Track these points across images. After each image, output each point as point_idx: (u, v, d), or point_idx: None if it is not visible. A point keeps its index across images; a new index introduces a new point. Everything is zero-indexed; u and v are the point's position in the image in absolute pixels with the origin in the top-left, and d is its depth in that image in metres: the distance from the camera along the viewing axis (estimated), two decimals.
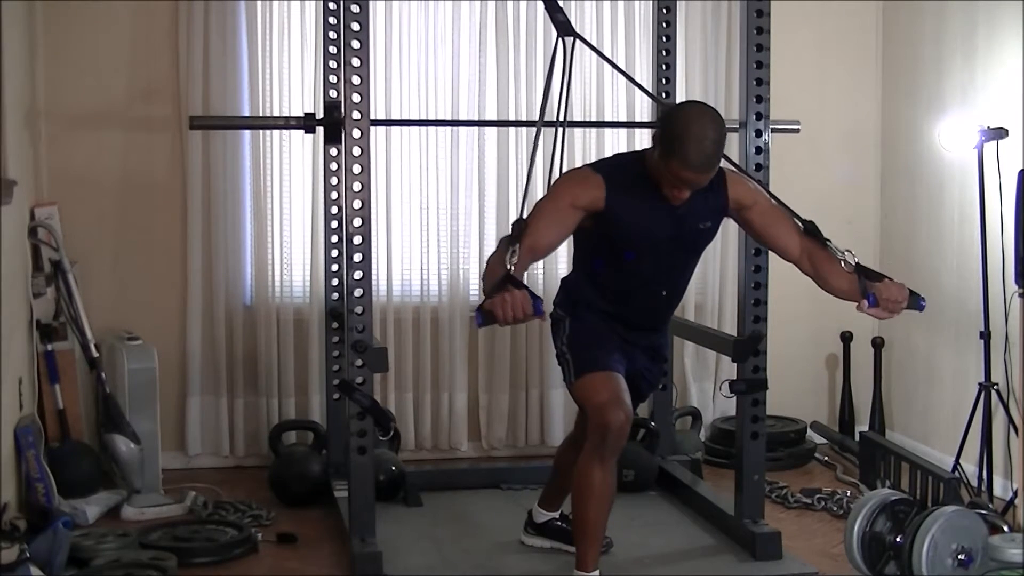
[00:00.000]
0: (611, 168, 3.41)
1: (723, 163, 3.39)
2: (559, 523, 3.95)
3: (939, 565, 3.38)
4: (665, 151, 3.20)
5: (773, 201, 3.52)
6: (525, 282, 3.03)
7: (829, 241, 3.40)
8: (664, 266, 3.46)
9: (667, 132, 3.20)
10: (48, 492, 4.11)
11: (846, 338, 5.46)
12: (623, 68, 4.26)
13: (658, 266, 3.44)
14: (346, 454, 3.84)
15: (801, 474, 5.06)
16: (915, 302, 3.27)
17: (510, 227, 3.19)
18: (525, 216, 3.20)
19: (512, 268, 3.02)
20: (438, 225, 5.15)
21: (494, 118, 5.12)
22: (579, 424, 3.79)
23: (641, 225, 3.33)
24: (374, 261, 3.96)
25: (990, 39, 4.67)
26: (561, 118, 3.60)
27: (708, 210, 3.42)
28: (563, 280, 3.67)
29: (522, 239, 3.11)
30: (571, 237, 3.49)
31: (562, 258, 5.17)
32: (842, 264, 3.33)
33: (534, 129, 4.92)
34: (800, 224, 3.47)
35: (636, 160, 3.40)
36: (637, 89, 4.98)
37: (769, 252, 3.89)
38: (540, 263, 5.18)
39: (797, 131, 4.42)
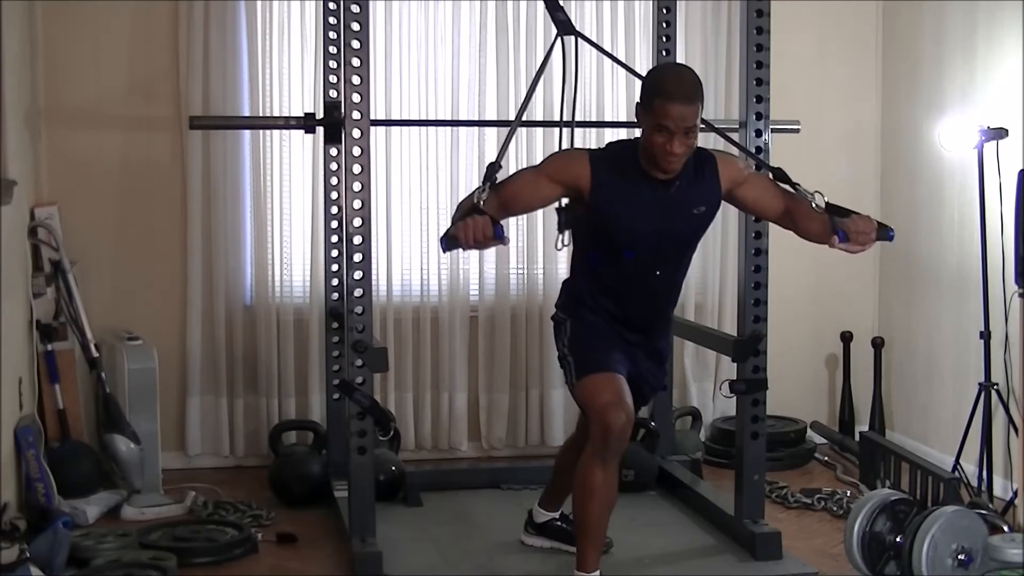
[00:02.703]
0: (602, 152, 3.46)
1: (713, 147, 3.44)
2: (559, 523, 3.95)
3: (939, 565, 3.38)
4: (646, 101, 3.27)
5: (754, 169, 3.56)
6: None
7: (798, 184, 3.43)
8: (659, 255, 3.45)
9: (645, 86, 3.34)
10: (48, 492, 4.11)
11: (846, 338, 5.46)
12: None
13: (653, 255, 3.43)
14: (346, 454, 3.84)
15: (801, 474, 5.06)
16: (884, 233, 3.35)
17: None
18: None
19: (481, 203, 3.14)
20: (438, 225, 5.14)
21: (494, 118, 5.12)
22: (580, 426, 3.79)
23: (633, 211, 3.34)
24: (374, 261, 3.97)
25: (990, 39, 4.67)
26: (568, 117, 3.69)
27: (701, 195, 3.43)
28: (563, 283, 3.68)
29: (497, 189, 3.23)
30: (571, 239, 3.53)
31: (562, 259, 5.16)
32: (812, 205, 3.36)
33: (534, 129, 5.04)
34: (770, 173, 3.51)
35: (629, 147, 3.43)
36: (637, 90, 5.03)
37: (769, 252, 3.92)
38: (540, 264, 5.20)
39: (797, 131, 4.43)
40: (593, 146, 5.12)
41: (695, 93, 3.25)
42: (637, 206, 3.34)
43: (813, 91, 5.44)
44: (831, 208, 3.35)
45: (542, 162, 3.51)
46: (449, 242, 3.12)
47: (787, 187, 3.46)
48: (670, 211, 3.38)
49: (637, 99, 3.37)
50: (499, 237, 3.10)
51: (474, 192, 3.22)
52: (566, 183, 3.35)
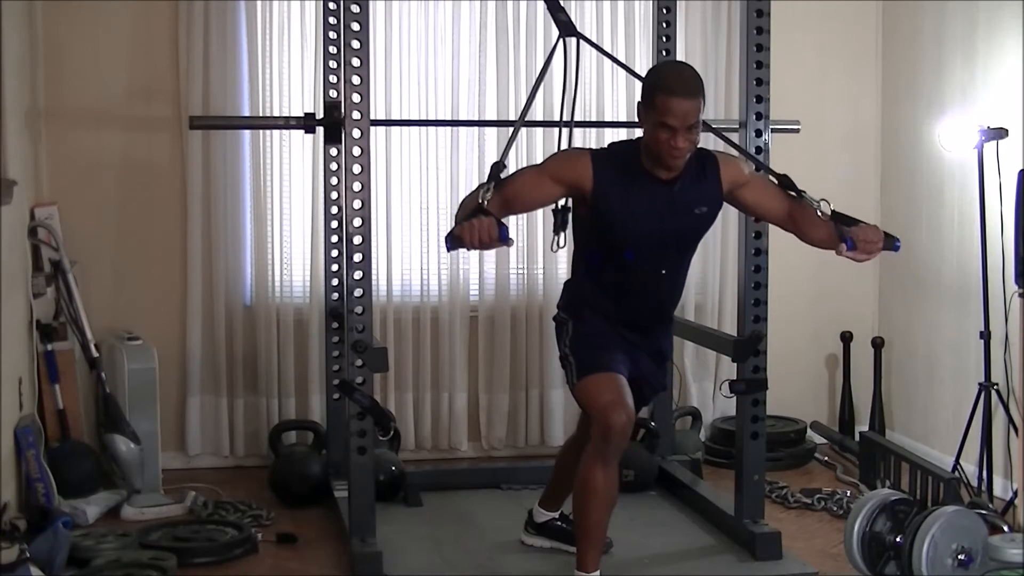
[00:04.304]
0: (605, 153, 3.46)
1: (715, 147, 3.45)
2: (559, 523, 3.95)
3: (939, 565, 3.38)
4: (648, 98, 3.27)
5: (759, 172, 3.56)
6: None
7: (804, 192, 3.43)
8: (660, 254, 3.45)
9: (646, 84, 3.34)
10: (48, 492, 4.11)
11: (846, 338, 5.46)
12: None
13: (654, 254, 3.43)
14: (346, 454, 3.84)
15: (801, 474, 5.06)
16: (890, 243, 3.37)
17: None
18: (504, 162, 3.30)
19: (485, 203, 3.13)
20: (438, 225, 5.14)
21: (494, 118, 5.13)
22: (581, 426, 3.79)
23: (634, 210, 3.34)
24: (374, 261, 3.97)
25: (990, 39, 4.67)
26: (568, 118, 3.74)
27: (703, 195, 3.42)
28: (565, 283, 3.68)
29: (500, 187, 3.22)
30: (572, 239, 3.54)
31: (563, 260, 5.16)
32: (818, 213, 3.36)
33: (534, 129, 5.05)
34: (775, 180, 3.50)
35: (631, 147, 3.43)
36: (637, 90, 5.03)
37: (769, 252, 3.92)
38: (540, 264, 5.20)
39: (797, 131, 4.43)
40: (594, 146, 5.17)
41: (696, 88, 3.25)
42: (639, 206, 3.34)
43: (813, 91, 5.44)
44: (837, 216, 3.35)
45: (544, 161, 3.52)
46: (454, 242, 3.10)
47: (792, 193, 3.45)
48: (672, 211, 3.37)
49: (638, 99, 3.36)
50: (504, 239, 3.08)
51: (478, 190, 3.22)
52: (569, 183, 3.35)
